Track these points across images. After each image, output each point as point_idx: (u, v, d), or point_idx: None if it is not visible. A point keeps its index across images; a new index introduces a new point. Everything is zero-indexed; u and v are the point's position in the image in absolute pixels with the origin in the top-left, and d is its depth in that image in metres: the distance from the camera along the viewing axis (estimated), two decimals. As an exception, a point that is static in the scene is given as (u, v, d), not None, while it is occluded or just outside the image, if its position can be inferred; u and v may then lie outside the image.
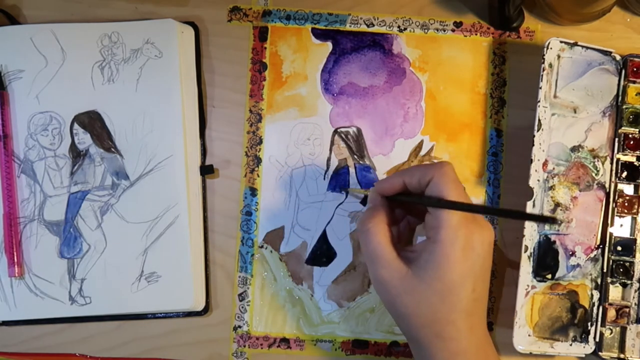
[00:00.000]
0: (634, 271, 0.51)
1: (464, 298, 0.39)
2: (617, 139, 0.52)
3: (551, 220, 0.37)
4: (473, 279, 0.40)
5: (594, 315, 0.51)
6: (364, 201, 0.54)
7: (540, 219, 0.42)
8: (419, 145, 0.54)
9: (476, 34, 0.55)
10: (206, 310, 0.52)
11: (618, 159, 0.52)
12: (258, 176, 0.54)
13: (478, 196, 0.54)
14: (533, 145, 0.50)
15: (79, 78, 0.53)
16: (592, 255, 0.51)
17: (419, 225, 0.47)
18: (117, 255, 0.52)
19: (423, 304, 0.40)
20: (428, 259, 0.40)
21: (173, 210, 0.52)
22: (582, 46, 0.51)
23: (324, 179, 0.54)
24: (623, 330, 0.51)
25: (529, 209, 0.50)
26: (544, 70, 0.51)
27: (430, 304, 0.40)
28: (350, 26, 0.55)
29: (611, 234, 0.51)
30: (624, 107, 0.52)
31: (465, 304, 0.39)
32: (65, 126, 0.53)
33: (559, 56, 0.51)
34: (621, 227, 0.51)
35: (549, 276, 0.51)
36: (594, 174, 0.52)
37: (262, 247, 0.53)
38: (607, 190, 0.52)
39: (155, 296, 0.51)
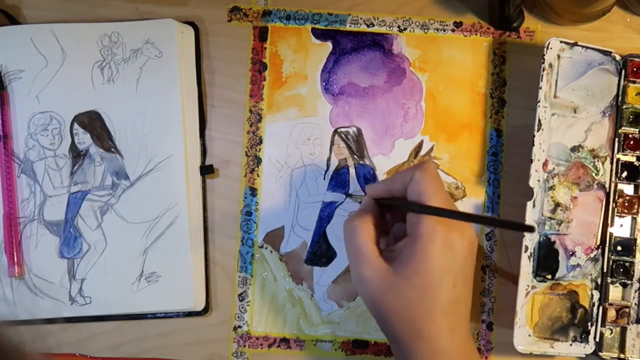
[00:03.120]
0: (634, 271, 0.51)
1: (444, 295, 0.39)
2: (617, 139, 0.52)
3: (527, 229, 0.37)
4: (453, 275, 0.40)
5: (594, 315, 0.51)
6: (364, 201, 0.54)
7: (515, 226, 0.42)
8: (419, 145, 0.54)
9: (476, 34, 0.55)
10: (206, 310, 0.52)
11: (618, 159, 0.52)
12: (258, 176, 0.54)
13: (478, 196, 0.54)
14: (533, 145, 0.50)
15: (79, 78, 0.53)
16: (592, 255, 0.51)
17: None
18: (117, 255, 0.52)
19: (402, 300, 0.40)
20: (408, 254, 0.40)
21: (173, 210, 0.52)
22: (582, 46, 0.51)
23: (324, 179, 0.54)
24: (623, 331, 0.51)
25: (529, 209, 0.50)
26: (544, 70, 0.51)
27: (409, 301, 0.40)
28: (350, 26, 0.55)
29: (611, 234, 0.51)
30: (624, 107, 0.52)
31: (445, 302, 0.39)
32: (65, 126, 0.53)
33: (559, 56, 0.51)
34: (621, 227, 0.51)
35: (549, 276, 0.51)
36: (594, 174, 0.52)
37: (262, 247, 0.53)
38: (607, 190, 0.52)
39: (155, 296, 0.51)
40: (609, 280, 0.51)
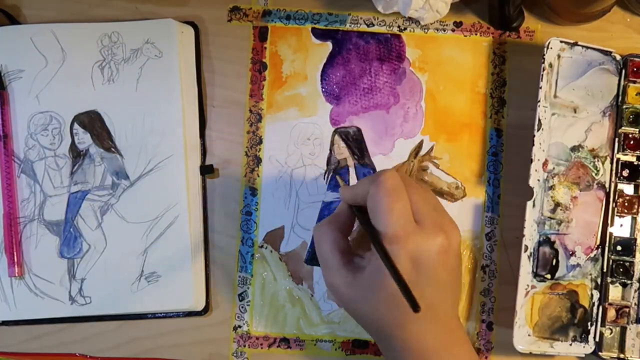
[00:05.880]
0: (633, 271, 0.51)
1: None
2: (617, 139, 0.52)
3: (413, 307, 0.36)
4: (419, 288, 0.37)
5: (594, 315, 0.51)
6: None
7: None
8: (419, 145, 0.54)
9: (476, 34, 0.55)
10: (206, 310, 0.52)
11: (618, 159, 0.52)
12: (258, 176, 0.54)
13: (478, 196, 0.54)
14: (533, 145, 0.50)
15: (79, 78, 0.53)
16: (592, 255, 0.51)
17: None
18: (117, 255, 0.52)
19: (370, 310, 0.40)
20: (372, 268, 0.40)
21: (173, 210, 0.52)
22: (582, 46, 0.51)
23: (324, 179, 0.54)
24: (623, 330, 0.51)
25: (529, 208, 0.50)
26: (544, 70, 0.51)
27: (377, 311, 0.40)
28: (350, 26, 0.55)
29: (611, 234, 0.51)
30: (624, 107, 0.52)
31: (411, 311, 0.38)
32: (65, 126, 0.53)
33: (559, 56, 0.51)
34: (621, 227, 0.51)
35: (549, 276, 0.51)
36: (594, 174, 0.52)
37: (262, 247, 0.53)
38: (607, 190, 0.52)
39: (155, 296, 0.51)
40: (609, 280, 0.51)
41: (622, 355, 0.50)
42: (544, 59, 0.51)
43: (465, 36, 0.55)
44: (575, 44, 0.51)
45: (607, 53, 0.52)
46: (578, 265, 0.51)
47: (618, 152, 0.51)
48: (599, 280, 0.51)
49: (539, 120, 0.51)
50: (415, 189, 0.41)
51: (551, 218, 0.51)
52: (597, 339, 0.51)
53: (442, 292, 0.41)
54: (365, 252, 0.43)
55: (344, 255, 0.42)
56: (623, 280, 0.51)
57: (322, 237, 0.42)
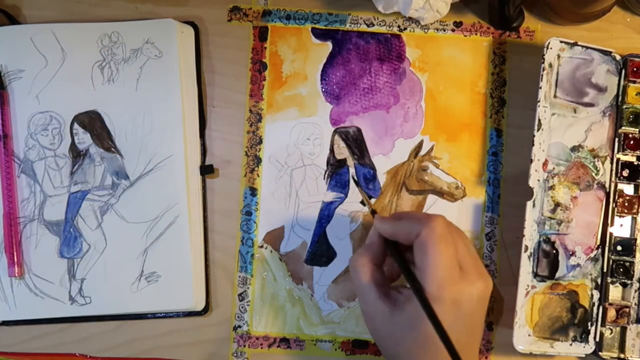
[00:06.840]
0: (634, 271, 0.51)
1: (444, 349, 0.38)
2: (617, 139, 0.52)
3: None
4: (456, 332, 0.38)
5: (594, 315, 0.51)
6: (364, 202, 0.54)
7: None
8: (419, 145, 0.54)
9: (476, 34, 0.55)
10: (206, 310, 0.52)
11: (618, 159, 0.52)
12: (258, 176, 0.54)
13: (478, 196, 0.54)
14: (533, 145, 0.50)
15: (79, 78, 0.53)
16: (592, 255, 0.51)
17: None
18: (117, 255, 0.52)
19: (402, 348, 0.40)
20: (411, 308, 0.40)
21: (173, 210, 0.52)
22: (582, 46, 0.51)
23: (324, 179, 0.54)
24: (623, 330, 0.51)
25: (529, 208, 0.50)
26: (543, 70, 0.51)
27: (409, 350, 0.40)
28: (350, 26, 0.55)
29: (611, 234, 0.51)
30: (624, 107, 0.52)
31: (447, 356, 0.37)
32: (65, 126, 0.53)
33: (558, 56, 0.51)
34: (621, 227, 0.51)
35: (549, 276, 0.51)
36: (594, 174, 0.52)
37: (262, 247, 0.53)
38: (607, 190, 0.52)
39: (155, 296, 0.51)
40: (609, 280, 0.51)
41: (622, 355, 0.50)
42: (544, 58, 0.51)
43: (465, 36, 0.55)
44: (575, 44, 0.51)
45: (607, 53, 0.52)
46: (578, 265, 0.51)
47: (618, 152, 0.51)
48: (599, 280, 0.51)
49: (539, 120, 0.51)
50: (459, 236, 0.42)
51: (551, 218, 0.51)
52: (597, 339, 0.51)
53: (473, 335, 0.41)
54: (403, 287, 0.43)
55: (381, 287, 0.42)
56: (623, 280, 0.51)
57: (357, 268, 0.43)
